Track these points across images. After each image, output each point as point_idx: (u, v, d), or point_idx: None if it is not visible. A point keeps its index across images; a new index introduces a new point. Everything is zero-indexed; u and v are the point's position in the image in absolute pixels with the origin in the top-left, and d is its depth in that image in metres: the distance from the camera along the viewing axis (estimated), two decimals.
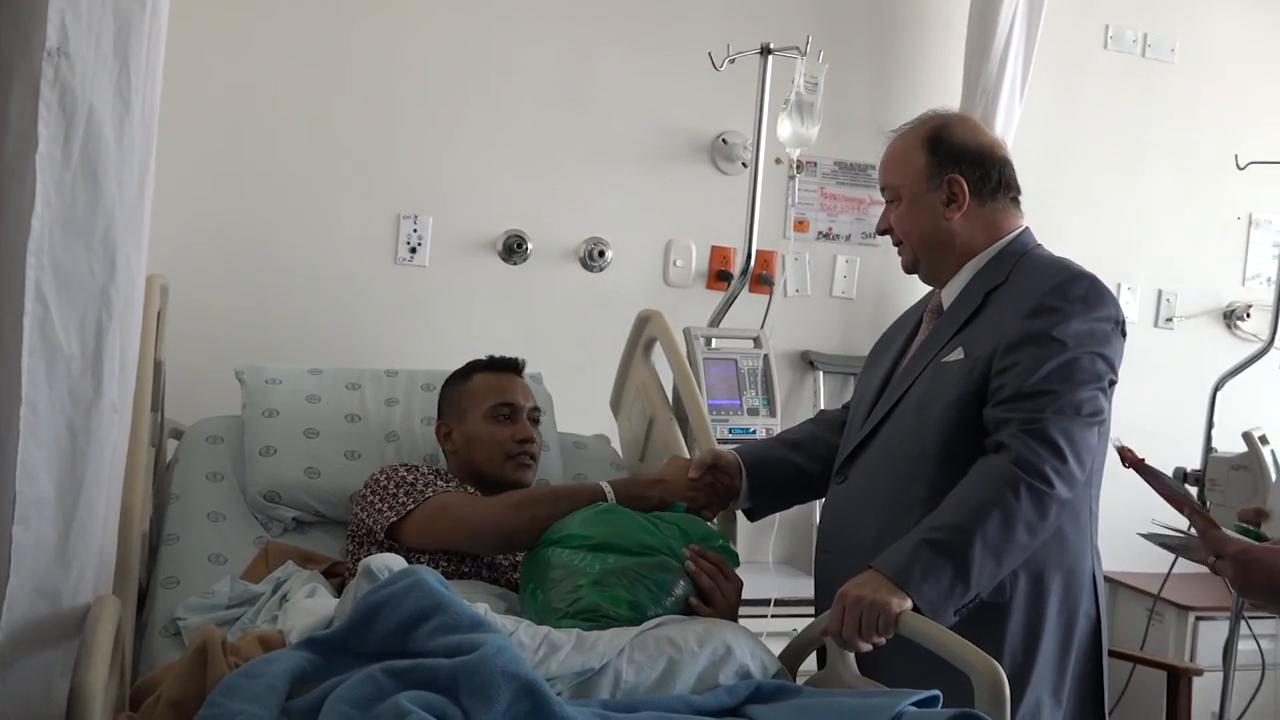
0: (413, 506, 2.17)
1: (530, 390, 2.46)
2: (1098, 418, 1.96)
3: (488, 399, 2.37)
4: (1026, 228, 2.17)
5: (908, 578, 1.84)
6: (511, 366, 2.46)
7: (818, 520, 2.32)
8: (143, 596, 2.15)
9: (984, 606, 1.96)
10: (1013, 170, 2.17)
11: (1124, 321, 2.05)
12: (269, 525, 2.36)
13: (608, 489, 2.18)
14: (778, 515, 3.07)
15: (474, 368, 2.45)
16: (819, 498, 2.34)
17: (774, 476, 2.31)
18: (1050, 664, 2.06)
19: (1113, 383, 2.01)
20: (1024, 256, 2.11)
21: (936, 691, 1.70)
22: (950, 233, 2.12)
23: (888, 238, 2.22)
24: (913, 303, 2.38)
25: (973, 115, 3.48)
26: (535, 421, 2.42)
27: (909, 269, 2.20)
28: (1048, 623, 2.04)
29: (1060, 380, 1.93)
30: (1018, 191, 2.17)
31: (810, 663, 2.08)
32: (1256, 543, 1.71)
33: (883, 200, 2.22)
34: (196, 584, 2.16)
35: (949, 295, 2.16)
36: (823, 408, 3.54)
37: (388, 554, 1.78)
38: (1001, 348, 1.99)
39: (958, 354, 2.05)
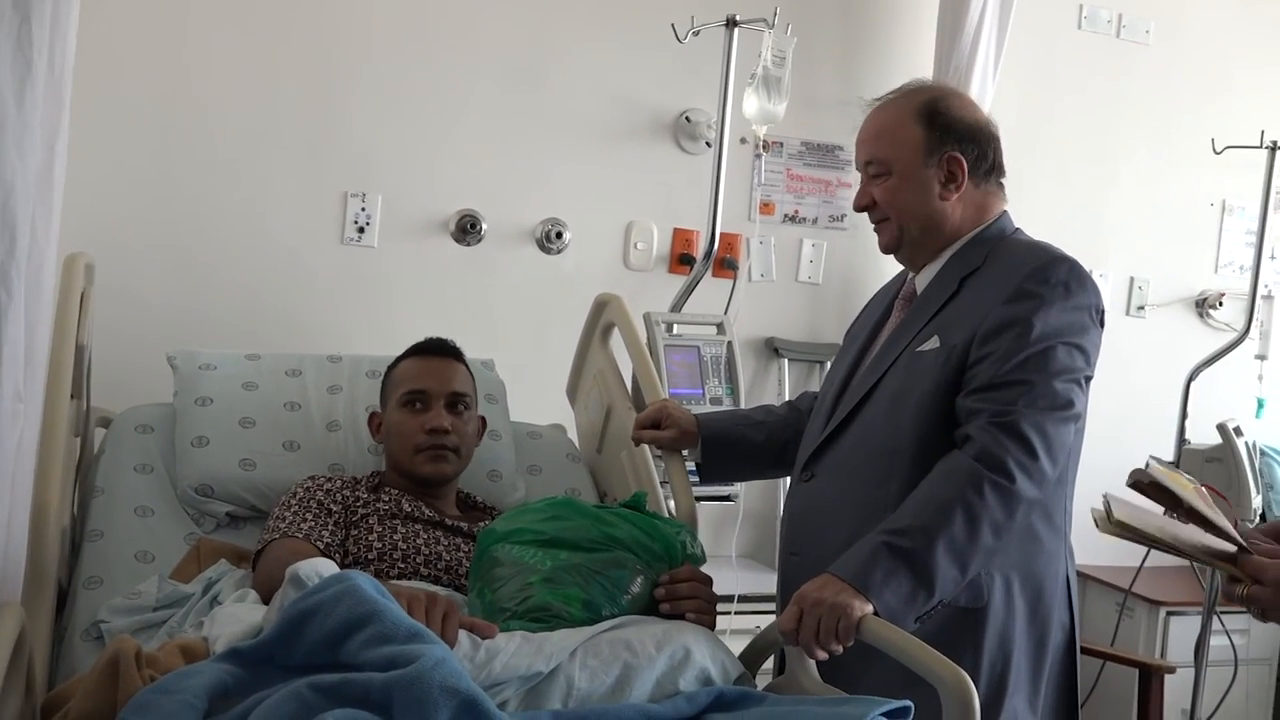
0: (261, 548, 2.04)
1: (456, 375, 2.27)
2: (1072, 411, 1.87)
3: (401, 386, 2.24)
4: (1005, 211, 2.08)
5: (868, 582, 1.74)
6: (436, 349, 2.30)
7: (781, 514, 2.24)
8: (63, 598, 2.03)
9: (961, 612, 1.89)
10: (1002, 150, 2.07)
11: (1103, 311, 1.97)
12: (201, 521, 2.24)
13: None
14: (740, 509, 3.00)
15: (408, 352, 2.32)
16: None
17: (731, 451, 2.30)
18: (1025, 669, 1.99)
19: (1088, 378, 1.93)
20: (1001, 241, 2.03)
21: (908, 702, 1.60)
22: (943, 214, 2.02)
23: (864, 216, 2.10)
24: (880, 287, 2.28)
25: None
26: (458, 410, 2.23)
27: (890, 248, 2.09)
28: (1023, 627, 1.97)
29: (1035, 370, 1.85)
30: (1004, 174, 2.08)
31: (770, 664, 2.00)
32: None
33: (854, 179, 2.12)
34: (122, 584, 2.05)
35: (923, 280, 2.06)
36: (788, 396, 3.45)
37: (318, 559, 1.67)
38: (979, 335, 1.90)
39: (933, 343, 1.95)
